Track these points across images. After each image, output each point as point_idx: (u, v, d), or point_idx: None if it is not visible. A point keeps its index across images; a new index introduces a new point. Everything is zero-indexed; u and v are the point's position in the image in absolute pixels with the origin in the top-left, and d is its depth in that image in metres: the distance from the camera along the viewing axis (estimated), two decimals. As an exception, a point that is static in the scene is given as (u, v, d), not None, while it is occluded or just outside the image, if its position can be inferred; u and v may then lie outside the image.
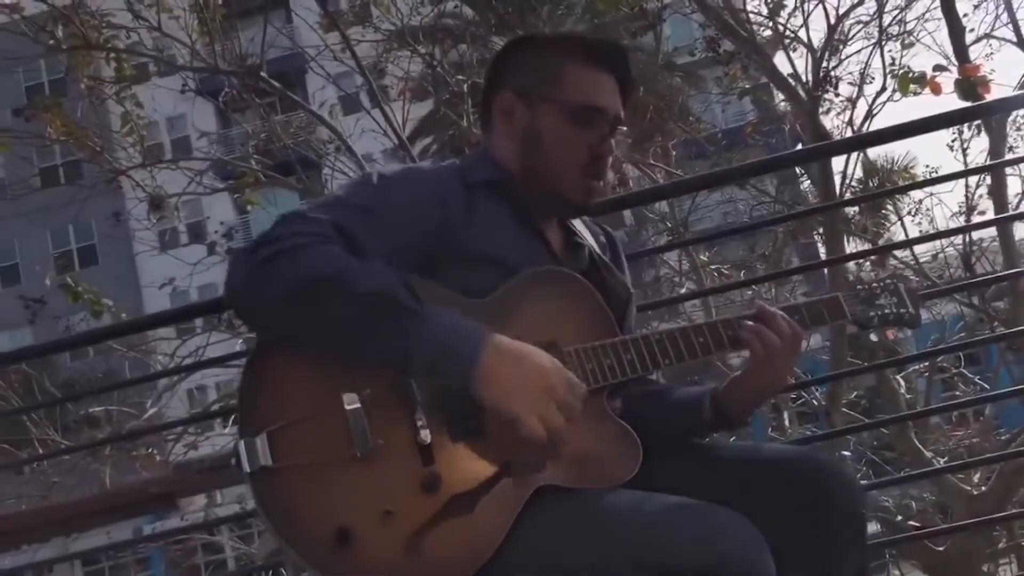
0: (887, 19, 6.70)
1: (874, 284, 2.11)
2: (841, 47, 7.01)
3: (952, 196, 14.33)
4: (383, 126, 6.41)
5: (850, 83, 7.15)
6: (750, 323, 1.86)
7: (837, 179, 7.06)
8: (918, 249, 7.87)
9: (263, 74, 6.31)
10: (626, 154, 7.41)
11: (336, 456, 1.61)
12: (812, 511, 1.79)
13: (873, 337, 2.15)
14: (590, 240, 2.09)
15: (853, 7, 6.91)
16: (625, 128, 2.09)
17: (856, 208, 10.28)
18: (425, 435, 1.63)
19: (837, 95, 6.73)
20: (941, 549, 5.80)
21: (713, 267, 7.52)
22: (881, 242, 8.38)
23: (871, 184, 13.36)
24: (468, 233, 1.81)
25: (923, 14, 6.90)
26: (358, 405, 1.63)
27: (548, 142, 1.91)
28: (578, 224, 2.10)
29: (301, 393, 1.65)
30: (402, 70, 7.34)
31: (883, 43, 6.58)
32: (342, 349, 1.64)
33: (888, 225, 13.41)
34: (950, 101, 4.87)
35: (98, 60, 6.36)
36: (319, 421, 1.62)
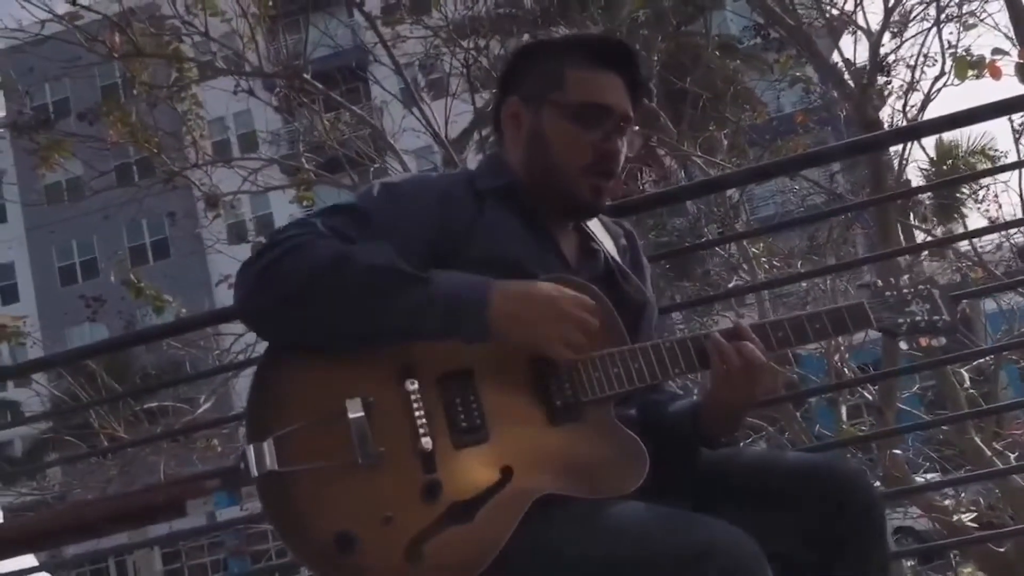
0: (946, 1, 6.47)
1: (905, 289, 2.03)
2: (898, 30, 6.77)
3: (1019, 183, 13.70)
4: (423, 123, 6.45)
5: (908, 67, 6.91)
6: (718, 337, 1.82)
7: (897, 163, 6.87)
8: (984, 238, 7.57)
9: (306, 75, 6.41)
10: (672, 147, 7.30)
11: (340, 462, 1.64)
12: (832, 521, 1.77)
13: (903, 345, 2.08)
14: (607, 244, 2.07)
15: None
16: (636, 128, 2.07)
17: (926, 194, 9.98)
18: (426, 443, 1.66)
19: (889, 82, 6.54)
20: (1002, 551, 5.60)
21: (764, 259, 7.36)
22: (940, 233, 8.08)
23: (944, 167, 12.92)
24: (475, 239, 1.83)
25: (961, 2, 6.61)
26: (361, 413, 1.66)
27: (553, 142, 1.91)
28: (596, 227, 2.09)
29: (307, 400, 1.69)
30: (460, 63, 7.36)
31: (941, 25, 6.34)
32: (357, 330, 1.69)
33: (963, 211, 12.96)
34: (1012, 85, 4.69)
35: (154, 64, 6.58)
36: (324, 428, 1.66)
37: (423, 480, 1.64)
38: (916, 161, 12.50)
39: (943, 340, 2.03)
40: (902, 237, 6.00)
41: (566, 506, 1.65)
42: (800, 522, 1.80)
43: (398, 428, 1.66)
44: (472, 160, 8.03)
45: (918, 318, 1.98)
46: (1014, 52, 4.78)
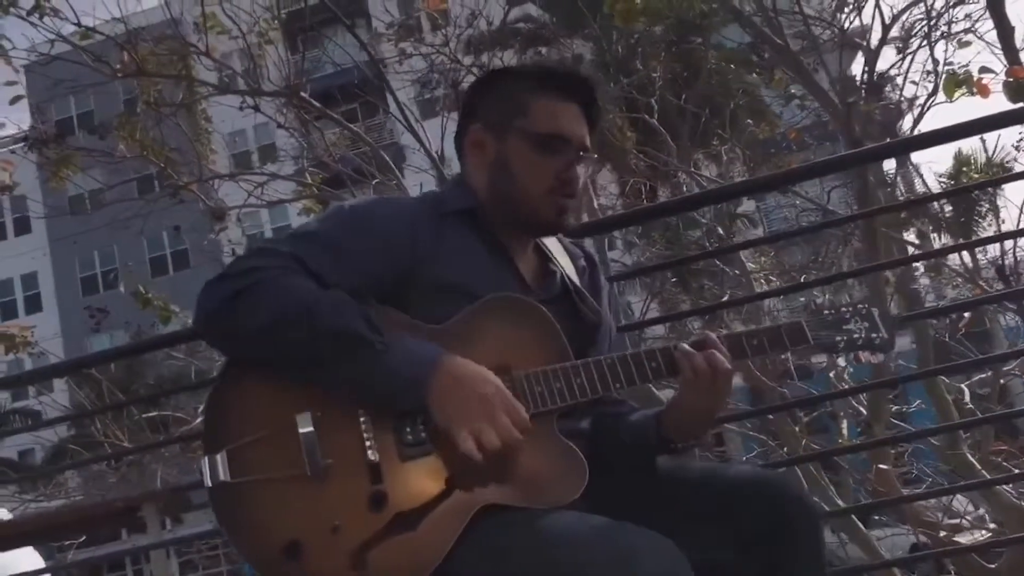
0: (937, 19, 6.49)
1: (844, 308, 2.11)
2: (901, 46, 6.79)
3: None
4: (418, 141, 6.55)
5: (912, 83, 6.94)
6: (686, 347, 1.90)
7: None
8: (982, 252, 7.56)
9: (304, 94, 6.54)
10: (674, 163, 7.36)
11: (290, 474, 1.72)
12: (770, 534, 1.83)
13: (841, 361, 2.14)
14: (566, 266, 2.14)
15: (904, 10, 6.70)
16: (595, 155, 2.15)
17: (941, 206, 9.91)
18: (373, 455, 1.73)
19: (880, 100, 6.54)
20: (993, 567, 5.59)
21: (762, 275, 7.40)
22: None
23: (963, 179, 12.85)
24: (436, 263, 1.89)
25: (968, 15, 6.64)
26: (311, 427, 1.73)
27: (517, 170, 1.99)
28: (555, 249, 2.16)
29: (261, 414, 1.76)
30: (450, 82, 7.47)
31: (933, 43, 6.39)
32: (307, 378, 1.75)
33: (980, 222, 12.90)
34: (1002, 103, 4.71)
35: (163, 81, 6.76)
36: (276, 440, 1.73)
37: (369, 491, 1.71)
38: (938, 175, 12.49)
39: (881, 357, 2.09)
40: (896, 251, 6.03)
41: (506, 516, 1.71)
42: (738, 534, 1.86)
43: (346, 442, 1.73)
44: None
45: (856, 335, 2.04)
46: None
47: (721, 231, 8.08)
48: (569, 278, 2.09)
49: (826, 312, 2.08)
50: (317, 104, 6.72)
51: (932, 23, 6.47)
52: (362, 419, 1.76)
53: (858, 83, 6.27)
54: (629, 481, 2.02)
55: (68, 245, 34.38)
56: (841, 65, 6.77)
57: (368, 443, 1.74)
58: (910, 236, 7.48)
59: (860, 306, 2.12)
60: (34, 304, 36.74)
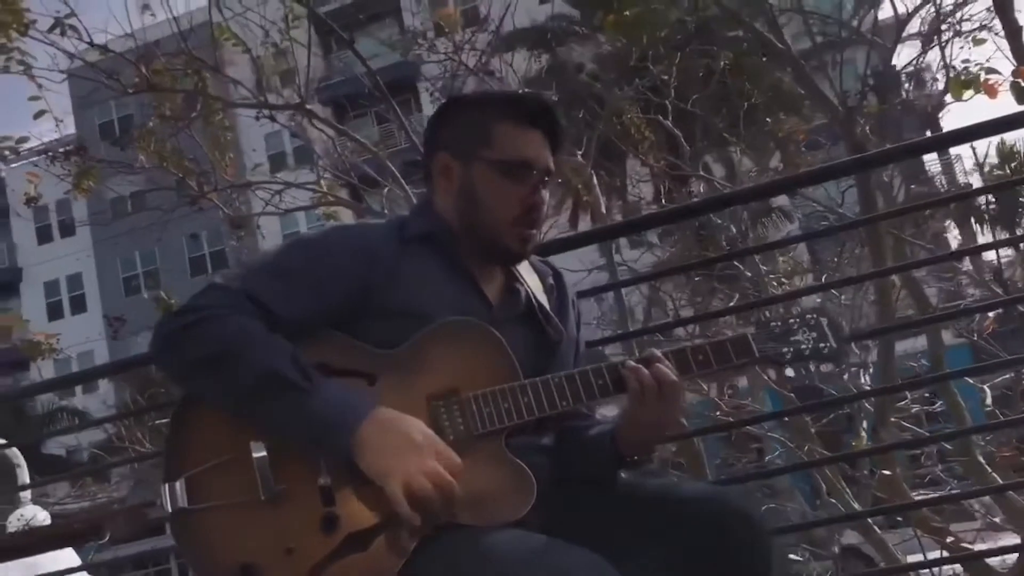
0: (947, 18, 6.35)
1: (791, 319, 2.10)
2: (924, 43, 6.69)
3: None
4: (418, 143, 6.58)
5: (933, 79, 6.81)
6: (632, 363, 1.93)
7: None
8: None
9: (309, 106, 6.64)
10: (691, 169, 7.33)
11: (245, 499, 1.78)
12: (714, 551, 1.84)
13: (789, 372, 2.14)
14: (532, 284, 2.18)
15: (916, 9, 6.58)
16: (558, 180, 2.19)
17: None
18: (324, 479, 1.79)
19: (897, 98, 6.44)
20: (1005, 573, 5.51)
21: (772, 278, 7.35)
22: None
23: (1007, 170, 12.59)
24: (393, 288, 1.94)
25: (972, 16, 6.48)
26: (263, 453, 1.79)
27: (483, 197, 2.03)
28: (522, 267, 2.20)
29: (217, 441, 1.82)
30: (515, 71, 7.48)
31: (944, 43, 6.25)
32: (238, 416, 1.81)
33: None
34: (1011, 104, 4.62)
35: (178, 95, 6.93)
36: (232, 467, 1.80)
37: (322, 513, 1.76)
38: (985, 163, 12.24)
39: (830, 366, 2.09)
40: (909, 252, 5.93)
41: (452, 534, 1.75)
42: (688, 551, 1.88)
43: (299, 466, 1.78)
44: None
45: (803, 346, 2.03)
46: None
47: (740, 228, 7.99)
48: (534, 296, 2.13)
49: (773, 324, 2.07)
50: (320, 116, 6.82)
51: (943, 22, 6.35)
52: (315, 444, 1.81)
53: (863, 84, 6.20)
54: (586, 496, 2.05)
55: (110, 246, 35.08)
56: (868, 61, 6.67)
57: (320, 467, 1.79)
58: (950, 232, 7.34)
59: (808, 316, 2.10)
60: (79, 305, 37.58)
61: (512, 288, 2.13)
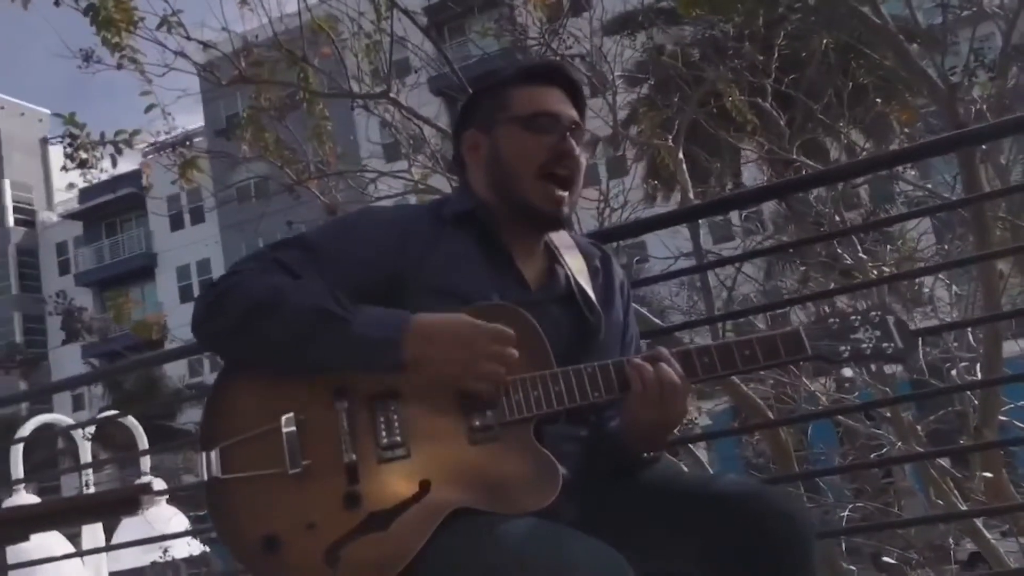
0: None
1: (852, 316, 2.00)
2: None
3: None
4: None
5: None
6: (636, 360, 1.89)
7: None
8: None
9: (393, 95, 6.74)
10: (779, 146, 7.06)
11: (273, 472, 1.84)
12: (750, 551, 1.79)
13: (847, 372, 2.04)
14: (575, 266, 2.15)
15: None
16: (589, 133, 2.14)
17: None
18: (350, 456, 1.83)
19: (991, 77, 5.95)
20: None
21: (870, 263, 6.98)
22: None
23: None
24: (427, 269, 1.96)
25: None
26: (293, 428, 1.86)
27: (507, 155, 2.04)
28: (566, 248, 2.17)
29: (251, 414, 1.89)
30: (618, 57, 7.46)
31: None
32: (288, 362, 1.87)
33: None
34: None
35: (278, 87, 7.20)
36: (263, 440, 1.86)
37: (345, 490, 1.80)
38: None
39: (896, 367, 1.98)
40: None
41: (471, 520, 1.75)
42: (725, 549, 1.83)
43: (326, 443, 1.83)
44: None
45: (864, 345, 1.93)
46: None
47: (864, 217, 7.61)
48: (574, 279, 2.10)
49: (831, 320, 1.98)
50: (404, 106, 6.93)
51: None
52: (343, 422, 1.86)
53: (968, 61, 5.77)
54: (622, 489, 2.02)
55: (237, 232, 36.81)
56: (974, 35, 6.24)
57: (346, 445, 1.83)
58: None
59: (872, 314, 2.00)
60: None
61: (553, 270, 2.12)
